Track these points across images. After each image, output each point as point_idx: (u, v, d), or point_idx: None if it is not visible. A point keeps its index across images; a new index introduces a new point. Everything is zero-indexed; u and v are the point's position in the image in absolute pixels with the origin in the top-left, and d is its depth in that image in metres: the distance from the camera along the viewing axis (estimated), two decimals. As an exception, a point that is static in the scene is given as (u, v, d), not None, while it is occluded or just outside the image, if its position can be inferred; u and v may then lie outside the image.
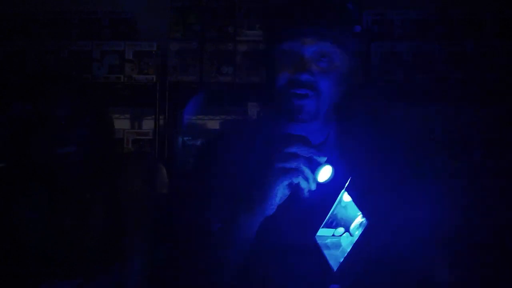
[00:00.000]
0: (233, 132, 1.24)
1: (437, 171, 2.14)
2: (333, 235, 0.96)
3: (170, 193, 1.66)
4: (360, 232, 0.88)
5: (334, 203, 0.94)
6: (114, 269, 1.23)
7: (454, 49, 2.22)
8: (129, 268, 1.22)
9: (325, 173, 0.94)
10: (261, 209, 0.95)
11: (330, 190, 0.94)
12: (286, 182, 0.94)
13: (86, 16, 2.42)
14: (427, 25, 2.30)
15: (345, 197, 0.93)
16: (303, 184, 0.93)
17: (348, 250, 0.87)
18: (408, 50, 2.24)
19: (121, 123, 2.61)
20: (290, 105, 1.05)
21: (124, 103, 2.58)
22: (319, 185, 0.94)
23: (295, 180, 0.93)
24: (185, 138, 2.39)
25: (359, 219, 0.93)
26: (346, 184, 0.92)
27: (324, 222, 0.95)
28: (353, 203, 0.92)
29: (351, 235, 0.94)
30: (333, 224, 0.96)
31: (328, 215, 0.94)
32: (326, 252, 0.93)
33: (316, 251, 0.94)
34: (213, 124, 2.63)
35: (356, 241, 0.87)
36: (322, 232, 0.96)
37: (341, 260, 0.88)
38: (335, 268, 0.89)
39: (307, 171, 0.92)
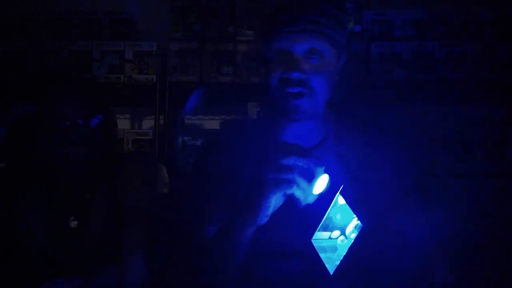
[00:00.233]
0: (231, 134, 1.24)
1: (437, 171, 2.14)
2: (329, 238, 0.96)
3: (169, 194, 1.66)
4: (356, 235, 0.87)
5: (329, 206, 0.94)
6: (114, 269, 1.23)
7: (454, 49, 2.22)
8: (129, 268, 1.22)
9: (321, 184, 0.93)
10: (254, 218, 0.95)
11: (325, 193, 0.94)
12: (280, 194, 0.93)
13: (86, 16, 2.41)
14: (427, 25, 2.29)
15: (340, 200, 0.93)
16: (299, 194, 0.93)
17: (344, 253, 0.87)
18: (408, 50, 2.24)
19: (121, 123, 2.60)
20: (286, 104, 1.05)
21: (124, 103, 2.57)
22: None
23: (289, 192, 0.93)
24: (185, 138, 2.38)
25: (355, 221, 0.93)
26: (340, 188, 0.92)
27: (320, 225, 0.95)
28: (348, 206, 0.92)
29: (346, 238, 0.94)
30: (329, 227, 0.96)
31: (324, 218, 0.94)
32: (322, 255, 0.93)
33: (312, 254, 0.94)
34: (213, 124, 2.63)
35: (352, 244, 0.87)
36: (318, 235, 0.96)
37: (337, 263, 0.88)
38: (331, 272, 0.89)
39: (303, 183, 0.92)
